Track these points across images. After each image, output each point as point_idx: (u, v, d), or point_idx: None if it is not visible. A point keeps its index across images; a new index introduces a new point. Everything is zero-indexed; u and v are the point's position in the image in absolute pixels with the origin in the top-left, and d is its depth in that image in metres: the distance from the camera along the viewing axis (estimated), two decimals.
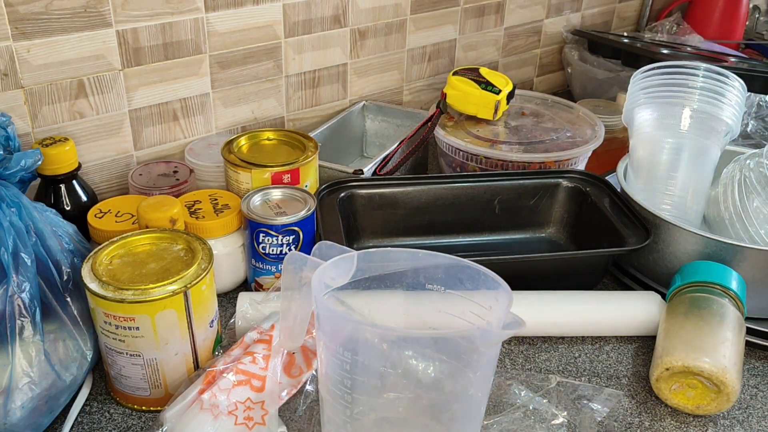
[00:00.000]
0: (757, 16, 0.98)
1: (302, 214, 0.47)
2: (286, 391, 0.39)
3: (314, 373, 0.41)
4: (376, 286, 0.35)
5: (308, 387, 0.41)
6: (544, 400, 0.40)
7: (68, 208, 0.49)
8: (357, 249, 0.35)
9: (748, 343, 0.46)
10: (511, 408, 0.39)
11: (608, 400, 0.41)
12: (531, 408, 0.39)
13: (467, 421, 0.34)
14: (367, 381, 0.32)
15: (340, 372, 0.32)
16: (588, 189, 0.56)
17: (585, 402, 0.40)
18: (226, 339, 0.46)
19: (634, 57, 0.73)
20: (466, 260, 0.34)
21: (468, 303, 0.34)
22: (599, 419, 0.40)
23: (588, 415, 0.40)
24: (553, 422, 0.39)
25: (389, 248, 0.35)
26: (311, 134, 0.60)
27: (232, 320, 0.45)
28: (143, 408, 0.41)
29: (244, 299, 0.46)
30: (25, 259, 0.38)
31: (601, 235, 0.53)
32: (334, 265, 0.33)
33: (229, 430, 0.36)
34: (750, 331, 0.46)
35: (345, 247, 0.34)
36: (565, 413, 0.39)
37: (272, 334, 0.40)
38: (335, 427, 0.34)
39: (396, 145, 0.61)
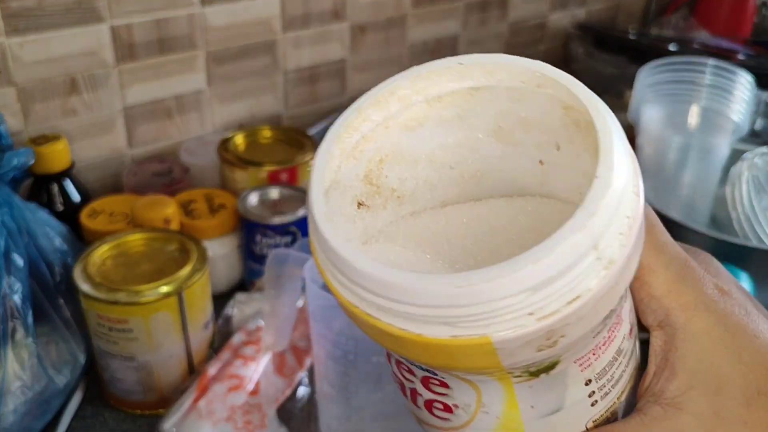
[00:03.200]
0: (765, 12, 0.96)
1: (300, 213, 0.46)
2: (281, 391, 0.39)
3: (306, 372, 0.40)
4: None
5: (302, 387, 0.40)
6: None
7: (61, 208, 0.49)
8: None
9: None
10: None
11: None
12: None
13: None
14: (370, 371, 0.31)
15: (343, 362, 0.31)
16: None
17: None
18: (217, 342, 0.45)
19: (641, 53, 0.72)
20: None
21: None
22: None
23: None
24: None
25: None
26: (309, 132, 0.60)
27: (219, 321, 0.45)
28: (137, 412, 0.40)
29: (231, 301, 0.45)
30: (17, 260, 0.37)
31: None
32: None
33: None
34: None
35: None
36: None
37: (259, 336, 0.39)
38: (339, 421, 0.33)
39: None
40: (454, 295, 0.13)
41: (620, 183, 0.14)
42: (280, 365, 0.40)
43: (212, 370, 0.38)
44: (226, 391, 0.37)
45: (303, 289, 0.33)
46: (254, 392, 0.37)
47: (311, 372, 0.40)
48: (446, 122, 0.17)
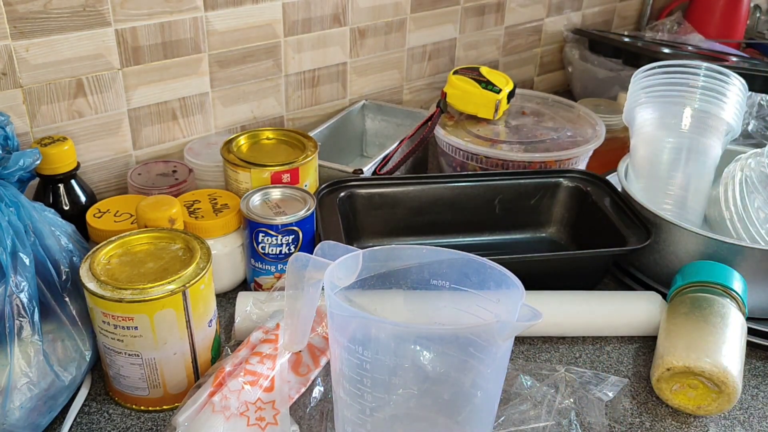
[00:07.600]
0: (758, 15, 0.98)
1: (302, 213, 0.47)
2: (296, 389, 0.39)
3: (320, 371, 0.40)
4: (380, 283, 0.35)
5: (317, 387, 0.40)
6: (551, 390, 0.40)
7: (67, 208, 0.49)
8: (357, 249, 0.35)
9: (748, 343, 0.46)
10: (518, 398, 0.39)
11: (614, 385, 0.41)
12: (538, 397, 0.39)
13: (480, 415, 0.33)
14: (386, 379, 0.32)
15: (358, 371, 0.31)
16: (589, 189, 0.56)
17: (591, 388, 0.40)
18: (226, 339, 0.46)
19: (635, 56, 0.73)
20: (470, 254, 0.34)
21: (474, 297, 0.34)
22: (606, 400, 0.40)
23: (595, 398, 0.40)
24: (560, 405, 0.39)
25: (393, 245, 0.35)
26: (311, 133, 0.60)
27: (239, 319, 0.45)
28: (142, 408, 0.41)
29: (246, 299, 0.46)
30: (24, 259, 0.38)
31: (601, 235, 0.52)
32: (341, 264, 0.33)
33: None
34: (751, 331, 0.46)
35: (348, 246, 0.34)
36: (572, 400, 0.39)
37: (278, 334, 0.40)
38: (353, 427, 0.33)
39: (396, 144, 0.61)
40: None
41: None
42: (295, 364, 0.40)
43: (229, 365, 0.38)
44: (242, 387, 0.37)
45: (322, 291, 0.33)
46: (269, 389, 0.37)
47: (326, 371, 0.40)
48: None
